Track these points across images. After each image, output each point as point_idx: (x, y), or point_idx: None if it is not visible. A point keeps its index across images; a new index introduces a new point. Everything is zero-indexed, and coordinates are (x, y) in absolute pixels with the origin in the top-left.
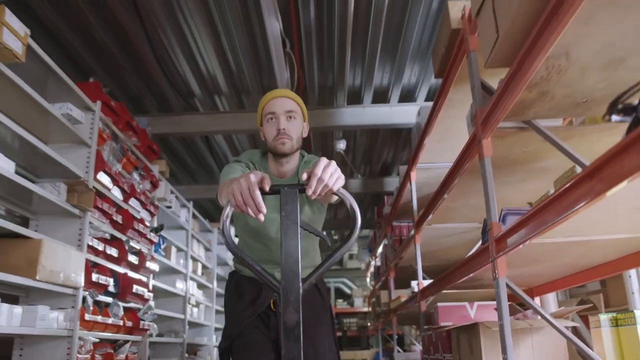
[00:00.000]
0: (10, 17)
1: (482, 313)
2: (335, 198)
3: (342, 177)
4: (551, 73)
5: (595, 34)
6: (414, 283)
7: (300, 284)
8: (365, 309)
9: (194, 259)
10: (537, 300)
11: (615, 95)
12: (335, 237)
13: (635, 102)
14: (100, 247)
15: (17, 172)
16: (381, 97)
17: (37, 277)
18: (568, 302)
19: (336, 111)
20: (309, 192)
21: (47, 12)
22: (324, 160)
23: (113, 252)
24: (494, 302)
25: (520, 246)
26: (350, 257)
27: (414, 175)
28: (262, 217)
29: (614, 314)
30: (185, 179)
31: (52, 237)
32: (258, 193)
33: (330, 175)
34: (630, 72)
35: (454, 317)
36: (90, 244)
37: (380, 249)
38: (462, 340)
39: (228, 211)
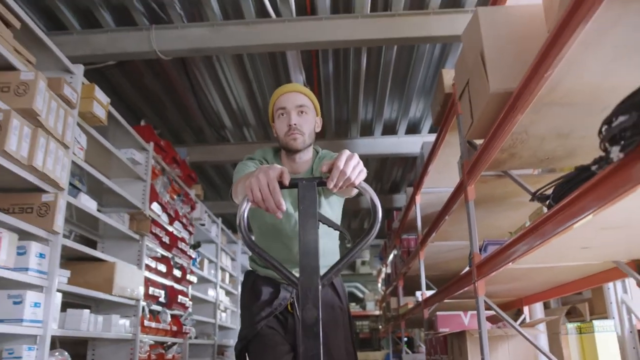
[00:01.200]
0: (98, 92)
1: (474, 321)
2: (354, 192)
3: (365, 170)
4: (516, 143)
5: (545, 120)
6: (418, 293)
7: (319, 280)
8: (377, 312)
9: (222, 269)
10: (526, 308)
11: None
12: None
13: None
14: (153, 264)
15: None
16: (390, 129)
17: (113, 293)
18: (559, 309)
19: (350, 142)
20: (330, 185)
21: (115, 75)
22: (346, 153)
23: (162, 268)
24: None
25: (495, 272)
26: (363, 263)
27: (418, 198)
28: (280, 215)
29: (578, 324)
30: (212, 196)
31: (116, 257)
32: (278, 189)
33: (352, 168)
34: (578, 140)
35: (450, 324)
36: (146, 262)
37: (390, 258)
38: (455, 345)
39: (245, 207)
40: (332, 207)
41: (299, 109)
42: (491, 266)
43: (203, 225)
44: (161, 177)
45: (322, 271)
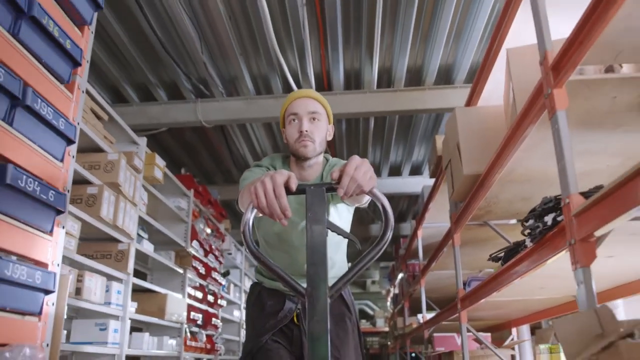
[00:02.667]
0: (158, 159)
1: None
2: (365, 199)
3: (375, 176)
4: (490, 204)
5: (509, 191)
6: (419, 316)
7: (328, 291)
8: (386, 329)
9: (245, 292)
10: (514, 330)
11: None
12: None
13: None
14: (193, 292)
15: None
16: (395, 171)
17: (165, 318)
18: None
19: (379, 181)
20: (341, 192)
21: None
22: (356, 159)
23: (199, 295)
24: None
25: (476, 305)
26: (373, 282)
27: (420, 232)
28: (285, 222)
29: (549, 345)
30: (237, 225)
31: (164, 287)
32: (284, 194)
33: (363, 174)
34: (539, 201)
35: (445, 344)
36: (188, 291)
37: (398, 279)
38: None
39: (250, 214)
40: (340, 216)
41: (311, 116)
42: (472, 300)
43: (230, 254)
44: (200, 218)
45: (330, 282)
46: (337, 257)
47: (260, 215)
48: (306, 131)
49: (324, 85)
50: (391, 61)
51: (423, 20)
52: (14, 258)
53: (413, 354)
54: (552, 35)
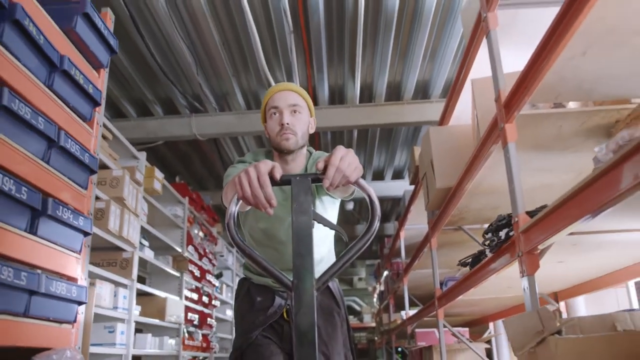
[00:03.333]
0: (157, 172)
1: (445, 336)
2: (350, 191)
3: (360, 167)
4: (462, 212)
5: (478, 201)
6: (402, 313)
7: (314, 283)
8: (373, 325)
9: None
10: (491, 324)
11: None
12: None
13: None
14: (189, 294)
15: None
16: (378, 175)
17: (165, 320)
18: None
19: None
20: (327, 183)
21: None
22: (341, 149)
23: (194, 296)
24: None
25: (451, 302)
26: (360, 279)
27: (402, 234)
28: (271, 211)
29: None
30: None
31: (161, 290)
32: (269, 183)
33: (348, 164)
34: (506, 209)
35: (426, 339)
36: (185, 293)
37: (383, 277)
38: (426, 355)
39: (235, 206)
40: (326, 209)
41: (292, 108)
42: (449, 298)
43: (222, 256)
44: (194, 224)
45: (318, 276)
46: (325, 251)
47: (248, 208)
48: (287, 124)
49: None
50: (372, 78)
51: (401, 41)
52: (55, 276)
53: (399, 349)
54: (509, 67)
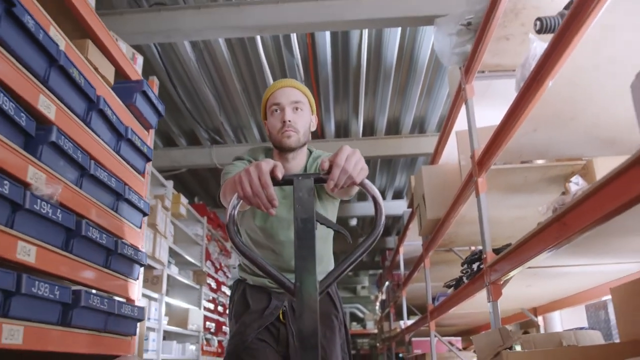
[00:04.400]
0: (182, 198)
1: (439, 345)
2: (353, 192)
3: (366, 167)
4: (451, 237)
5: (464, 229)
6: (401, 322)
7: (317, 286)
8: (376, 331)
9: None
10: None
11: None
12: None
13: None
14: (207, 305)
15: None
16: (398, 194)
17: (187, 328)
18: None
19: (349, 205)
20: (331, 184)
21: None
22: (346, 149)
23: (211, 306)
24: (447, 338)
25: (442, 315)
26: (363, 287)
27: (402, 249)
28: (273, 211)
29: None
30: None
31: (183, 301)
32: (270, 182)
33: (354, 165)
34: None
35: (422, 347)
36: (203, 304)
37: (384, 286)
38: None
39: (235, 205)
40: (326, 210)
41: (294, 105)
42: (440, 312)
43: (235, 268)
44: (212, 241)
45: (319, 278)
46: (325, 252)
47: (247, 208)
48: (289, 121)
49: (318, 133)
50: (374, 115)
51: (399, 83)
52: (123, 300)
53: (400, 355)
54: (487, 121)
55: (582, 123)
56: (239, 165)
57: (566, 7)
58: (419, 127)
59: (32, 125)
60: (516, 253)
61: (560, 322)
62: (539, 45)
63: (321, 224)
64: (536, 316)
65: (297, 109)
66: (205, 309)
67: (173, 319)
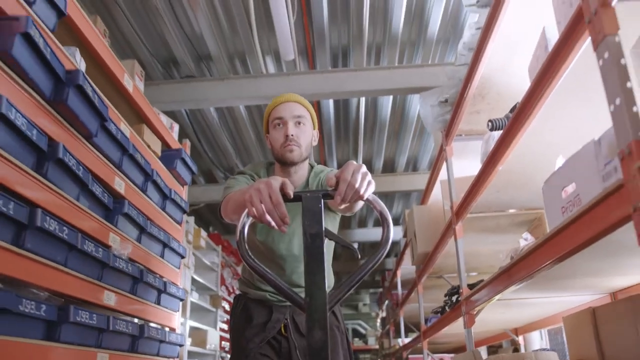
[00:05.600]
0: (202, 232)
1: None
2: (357, 207)
3: (373, 182)
4: (440, 266)
5: (451, 259)
6: (399, 340)
7: (327, 301)
8: (377, 347)
9: None
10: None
11: (476, 268)
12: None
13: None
14: (221, 325)
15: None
16: (379, 222)
17: (206, 348)
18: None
19: (349, 231)
20: (338, 199)
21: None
22: (353, 164)
23: (225, 327)
24: (441, 354)
25: (435, 335)
26: (364, 305)
27: (399, 272)
28: (285, 228)
29: None
30: None
31: (201, 323)
32: (282, 201)
33: (361, 180)
34: (477, 262)
35: None
36: (219, 325)
37: (384, 305)
38: None
39: (245, 223)
40: (326, 223)
41: (297, 120)
42: (432, 332)
43: None
44: (226, 268)
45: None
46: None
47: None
48: (292, 135)
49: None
50: (371, 155)
51: (394, 128)
52: (167, 329)
53: None
54: (466, 171)
55: (533, 186)
56: (241, 180)
57: (511, 111)
58: (412, 165)
59: (111, 200)
60: (486, 289)
61: (539, 341)
62: (496, 133)
63: (330, 239)
64: (517, 336)
65: (299, 123)
66: (221, 329)
67: (194, 339)
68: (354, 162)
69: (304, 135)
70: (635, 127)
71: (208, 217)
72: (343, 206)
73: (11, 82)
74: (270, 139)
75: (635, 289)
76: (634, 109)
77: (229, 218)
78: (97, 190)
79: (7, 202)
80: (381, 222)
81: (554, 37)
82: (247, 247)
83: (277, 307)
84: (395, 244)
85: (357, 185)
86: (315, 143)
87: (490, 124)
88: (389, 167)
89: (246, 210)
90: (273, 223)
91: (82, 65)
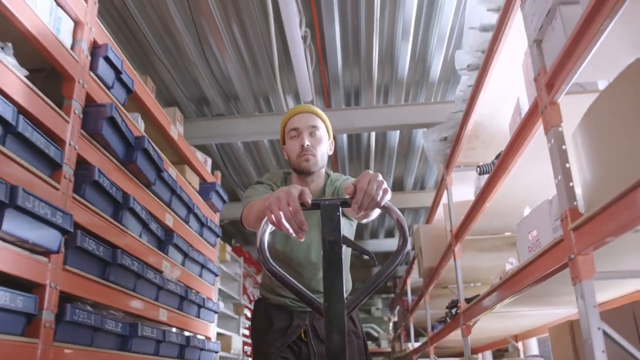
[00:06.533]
0: (228, 247)
1: None
2: (374, 215)
3: (389, 190)
4: (445, 278)
5: (454, 274)
6: (409, 344)
7: (345, 306)
8: (389, 349)
9: None
10: (480, 354)
11: (478, 279)
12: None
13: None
14: (243, 331)
15: None
16: (389, 233)
17: (231, 353)
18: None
19: (363, 242)
20: (355, 207)
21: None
22: (369, 173)
23: (247, 332)
24: (448, 358)
25: (440, 340)
26: (377, 309)
27: (409, 280)
28: (303, 236)
29: None
30: None
31: (226, 330)
32: (300, 209)
33: (377, 188)
34: (477, 275)
35: None
36: (242, 331)
37: (396, 310)
38: None
39: (265, 230)
40: (344, 231)
41: (312, 130)
42: (438, 338)
43: None
44: (247, 278)
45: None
46: (343, 270)
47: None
48: (308, 145)
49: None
50: (382, 175)
51: (402, 151)
52: (204, 338)
53: None
54: (466, 195)
55: (520, 216)
56: (260, 190)
57: (496, 157)
58: (420, 184)
59: (163, 233)
60: (480, 303)
61: (537, 347)
62: (483, 177)
63: (348, 246)
64: (517, 342)
65: (314, 133)
66: (243, 335)
67: (220, 345)
68: (370, 172)
69: (320, 145)
70: (571, 198)
71: (231, 231)
72: (360, 214)
73: (99, 154)
74: (287, 150)
75: (610, 304)
76: (570, 184)
77: (250, 226)
78: (154, 226)
79: (98, 246)
80: (397, 229)
81: (525, 106)
82: (268, 253)
83: (297, 313)
84: (405, 254)
85: (373, 193)
86: (330, 152)
87: (478, 169)
88: (398, 186)
89: (266, 218)
90: (291, 230)
91: (142, 126)
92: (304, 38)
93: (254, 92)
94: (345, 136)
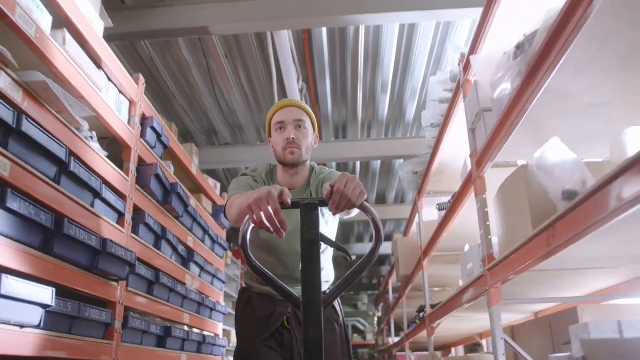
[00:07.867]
0: (229, 253)
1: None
2: (354, 212)
3: (365, 191)
4: (419, 283)
5: (430, 278)
6: (390, 339)
7: (322, 300)
8: (374, 342)
9: None
10: (453, 349)
11: (450, 283)
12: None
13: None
14: None
15: None
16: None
17: (230, 346)
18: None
19: (349, 246)
20: (332, 208)
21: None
22: (346, 175)
23: None
24: (421, 352)
25: (415, 336)
26: (363, 304)
27: (390, 281)
28: (282, 234)
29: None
30: None
31: (224, 325)
32: (280, 209)
33: (353, 190)
34: (449, 280)
35: None
36: None
37: (380, 306)
38: None
39: (247, 229)
40: (327, 223)
41: (297, 123)
42: (413, 335)
43: None
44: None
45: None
46: (325, 262)
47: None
48: (293, 138)
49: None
50: (367, 190)
51: (384, 173)
52: (213, 335)
53: None
54: (433, 215)
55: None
56: (243, 182)
57: (452, 198)
58: (401, 198)
59: (185, 253)
60: (442, 309)
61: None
62: (441, 212)
63: (325, 244)
64: (481, 339)
65: (300, 127)
66: None
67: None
68: (347, 174)
69: (305, 138)
70: (489, 246)
71: (229, 234)
72: (337, 213)
73: (147, 200)
74: (273, 143)
75: (550, 310)
76: (489, 237)
77: (232, 220)
78: (181, 249)
79: (147, 271)
80: (373, 227)
81: (469, 165)
82: (249, 250)
83: (280, 302)
84: (388, 256)
85: (349, 195)
86: (315, 145)
87: (438, 206)
88: (381, 199)
89: (247, 217)
90: (272, 229)
91: (172, 170)
92: (301, 90)
93: (256, 123)
94: (334, 164)
